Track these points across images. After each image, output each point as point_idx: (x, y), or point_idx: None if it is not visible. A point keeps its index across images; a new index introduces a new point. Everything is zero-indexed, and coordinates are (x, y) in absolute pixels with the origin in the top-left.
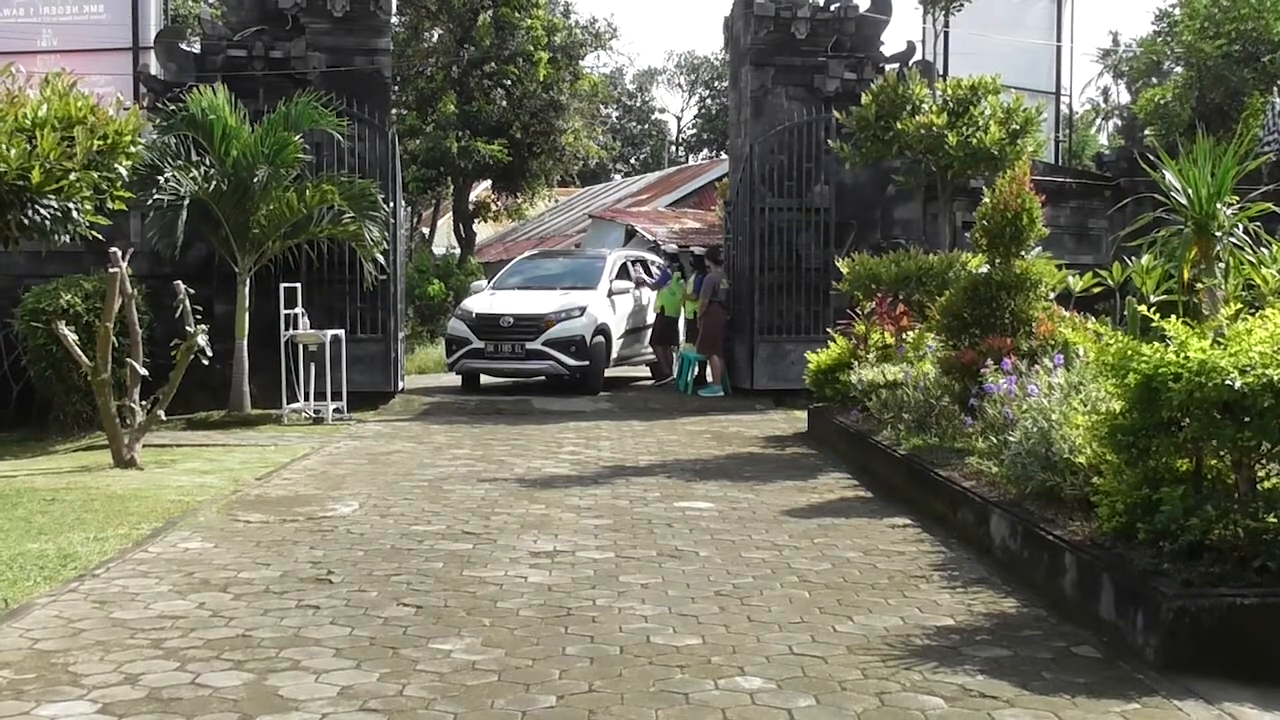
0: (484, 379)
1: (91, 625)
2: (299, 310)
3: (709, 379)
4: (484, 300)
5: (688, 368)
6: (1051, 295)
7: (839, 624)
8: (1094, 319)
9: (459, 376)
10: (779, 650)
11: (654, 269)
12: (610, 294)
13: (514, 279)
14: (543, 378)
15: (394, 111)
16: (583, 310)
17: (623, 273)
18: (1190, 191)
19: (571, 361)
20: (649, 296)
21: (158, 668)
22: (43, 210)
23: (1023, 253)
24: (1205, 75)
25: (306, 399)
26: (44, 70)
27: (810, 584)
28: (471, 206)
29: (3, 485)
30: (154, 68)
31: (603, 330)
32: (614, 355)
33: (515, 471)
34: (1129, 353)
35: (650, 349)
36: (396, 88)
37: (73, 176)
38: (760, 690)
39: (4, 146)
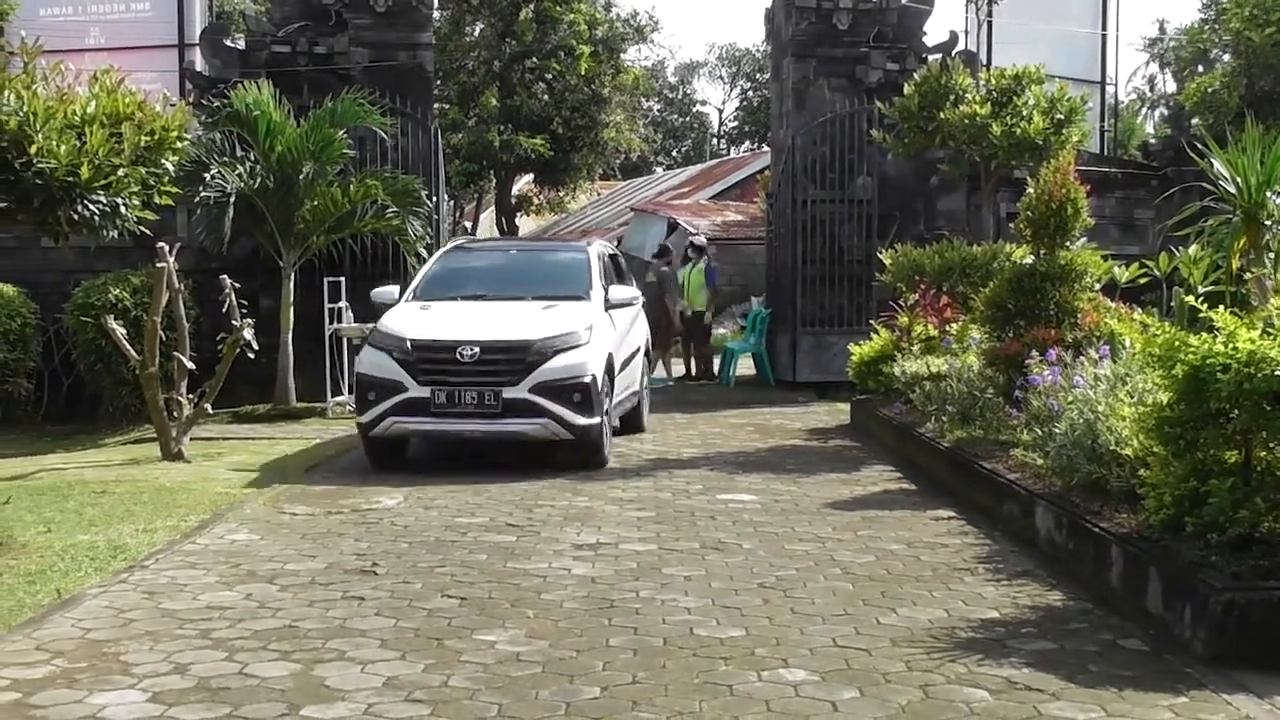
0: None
1: (141, 615)
2: (343, 304)
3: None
4: (414, 318)
5: (731, 360)
6: (1097, 286)
7: (883, 616)
8: (1140, 310)
9: (367, 444)
10: (823, 642)
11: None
12: (609, 307)
13: (448, 284)
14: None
15: (436, 106)
16: (589, 331)
17: (608, 273)
18: (1239, 180)
19: (578, 419)
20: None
21: (206, 658)
22: (91, 206)
23: (1068, 243)
24: (1254, 63)
25: (350, 392)
26: (92, 67)
27: (854, 576)
28: (514, 200)
29: (54, 478)
30: (199, 64)
31: (609, 366)
32: (612, 401)
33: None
34: (1176, 343)
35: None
36: (438, 82)
37: (121, 172)
38: (804, 682)
39: (54, 143)
